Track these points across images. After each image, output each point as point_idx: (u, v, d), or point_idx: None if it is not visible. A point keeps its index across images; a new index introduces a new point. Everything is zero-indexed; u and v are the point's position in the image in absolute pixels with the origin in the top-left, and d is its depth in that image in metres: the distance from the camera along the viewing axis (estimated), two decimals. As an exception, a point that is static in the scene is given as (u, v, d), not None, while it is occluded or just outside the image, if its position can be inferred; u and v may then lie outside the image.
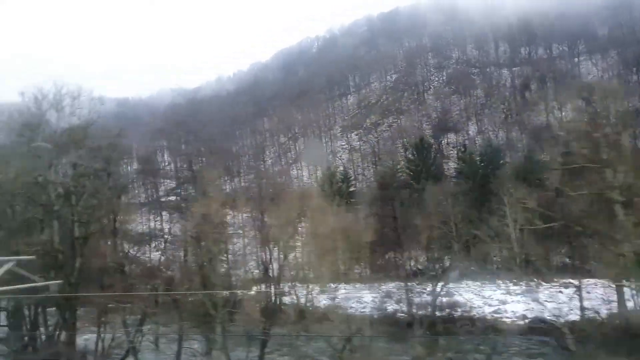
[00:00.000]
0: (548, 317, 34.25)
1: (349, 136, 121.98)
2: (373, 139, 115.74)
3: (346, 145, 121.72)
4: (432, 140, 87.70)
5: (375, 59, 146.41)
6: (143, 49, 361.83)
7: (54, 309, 36.00)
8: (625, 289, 35.22)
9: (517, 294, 43.26)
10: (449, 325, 36.61)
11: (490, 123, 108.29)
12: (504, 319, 40.97)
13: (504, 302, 43.23)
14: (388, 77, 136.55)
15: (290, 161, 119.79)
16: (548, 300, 38.06)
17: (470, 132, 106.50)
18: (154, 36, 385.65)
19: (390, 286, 43.08)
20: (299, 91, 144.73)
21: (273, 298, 43.56)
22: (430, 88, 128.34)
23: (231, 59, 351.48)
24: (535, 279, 43.73)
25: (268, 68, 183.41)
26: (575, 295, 36.88)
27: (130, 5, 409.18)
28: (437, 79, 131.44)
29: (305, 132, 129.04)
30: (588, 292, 39.71)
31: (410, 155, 76.08)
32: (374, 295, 44.77)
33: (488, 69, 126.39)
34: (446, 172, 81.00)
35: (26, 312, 36.02)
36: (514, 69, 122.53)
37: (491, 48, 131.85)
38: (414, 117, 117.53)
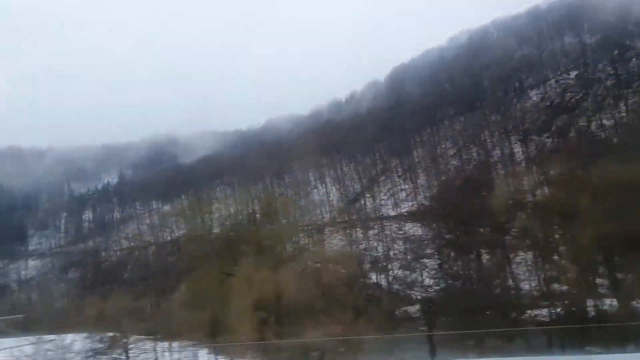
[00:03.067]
0: None
1: (539, 139, 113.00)
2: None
3: (534, 150, 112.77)
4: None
5: (536, 57, 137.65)
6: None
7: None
8: None
9: None
10: None
11: None
12: None
13: None
14: (565, 74, 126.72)
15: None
16: None
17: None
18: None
19: None
20: (455, 99, 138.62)
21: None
22: (619, 83, 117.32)
23: (345, 81, 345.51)
24: None
25: (392, 84, 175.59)
26: None
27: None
28: (623, 72, 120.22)
29: (481, 138, 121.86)
30: None
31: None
32: None
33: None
34: None
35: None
36: None
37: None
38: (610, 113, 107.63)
